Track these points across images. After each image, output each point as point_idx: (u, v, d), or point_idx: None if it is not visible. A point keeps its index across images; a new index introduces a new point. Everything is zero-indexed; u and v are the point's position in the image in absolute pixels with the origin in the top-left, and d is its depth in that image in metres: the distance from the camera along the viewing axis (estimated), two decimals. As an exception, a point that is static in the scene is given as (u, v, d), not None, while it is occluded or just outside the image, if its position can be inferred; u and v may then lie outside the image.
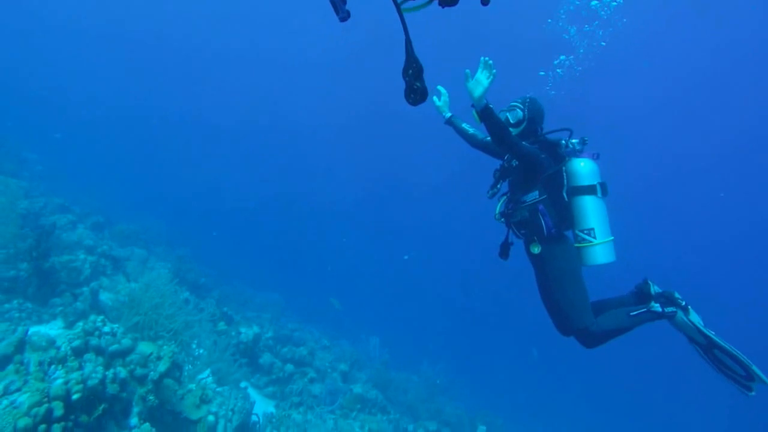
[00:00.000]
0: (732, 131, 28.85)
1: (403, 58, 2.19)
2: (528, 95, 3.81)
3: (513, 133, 3.55)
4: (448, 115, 4.22)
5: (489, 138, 4.02)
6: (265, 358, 7.53)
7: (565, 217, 3.55)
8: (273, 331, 8.88)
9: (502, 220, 3.79)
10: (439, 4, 1.81)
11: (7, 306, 5.30)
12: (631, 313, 3.53)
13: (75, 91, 32.58)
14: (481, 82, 3.08)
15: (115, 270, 7.28)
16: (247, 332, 7.46)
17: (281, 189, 32.35)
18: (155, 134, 33.24)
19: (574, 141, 3.67)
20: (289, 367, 7.63)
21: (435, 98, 4.17)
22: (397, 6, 1.78)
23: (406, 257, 25.92)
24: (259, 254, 20.64)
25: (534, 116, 3.71)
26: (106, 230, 9.59)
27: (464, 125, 4.24)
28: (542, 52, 9.99)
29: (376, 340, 12.57)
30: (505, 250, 3.86)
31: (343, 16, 1.95)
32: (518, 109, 3.71)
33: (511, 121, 3.71)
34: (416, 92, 1.83)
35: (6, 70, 28.15)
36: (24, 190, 8.28)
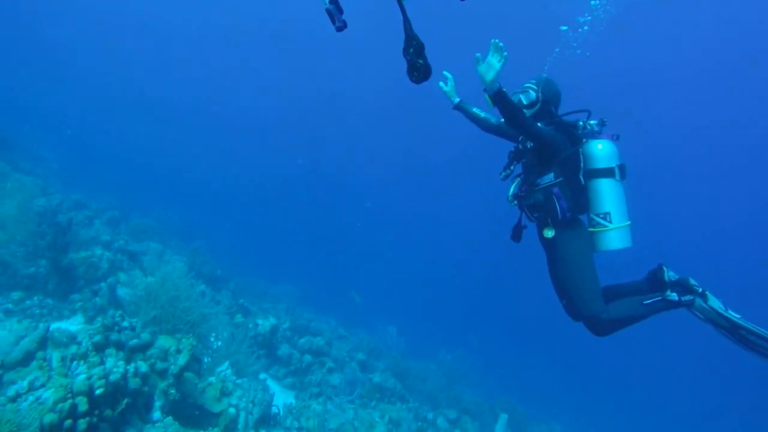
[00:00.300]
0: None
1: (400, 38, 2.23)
2: (543, 75, 3.76)
3: (527, 115, 3.51)
4: (457, 100, 4.18)
5: (501, 121, 4.00)
6: (283, 350, 7.63)
7: (580, 200, 3.49)
8: (290, 321, 8.99)
9: (515, 202, 3.73)
10: None
11: (28, 302, 5.42)
12: (645, 302, 3.45)
13: (76, 85, 32.80)
14: (492, 65, 3.00)
15: (132, 265, 7.40)
16: (264, 324, 7.55)
17: (292, 178, 32.43)
18: (163, 125, 33.43)
19: (592, 122, 3.61)
20: (307, 357, 7.72)
21: (441, 84, 4.13)
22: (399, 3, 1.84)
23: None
24: (272, 245, 20.80)
25: (549, 97, 3.65)
26: (122, 225, 9.75)
27: (474, 110, 4.19)
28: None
29: (393, 329, 12.67)
30: (517, 233, 3.82)
31: (340, 26, 2.16)
32: (531, 90, 3.65)
33: (524, 103, 3.65)
34: (419, 69, 1.89)
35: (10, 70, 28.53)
36: (40, 187, 8.44)
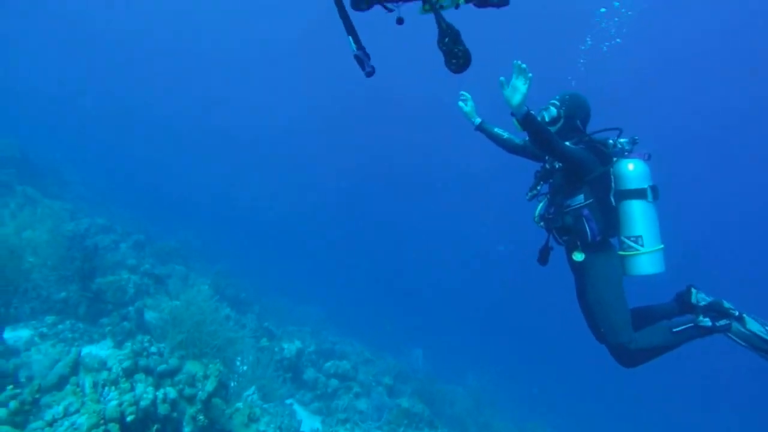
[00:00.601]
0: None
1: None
2: (568, 91, 3.69)
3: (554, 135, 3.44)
4: (478, 121, 4.14)
5: (527, 140, 3.94)
6: (309, 374, 7.63)
7: (611, 222, 3.40)
8: (315, 344, 9.02)
9: (542, 224, 3.67)
10: (475, 4, 1.98)
11: (60, 327, 5.58)
12: (675, 329, 3.30)
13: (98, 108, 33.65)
14: (518, 88, 2.95)
15: (158, 288, 7.55)
16: (290, 347, 7.58)
17: (311, 198, 32.64)
18: (186, 146, 34.17)
19: (622, 140, 3.53)
20: (334, 382, 7.71)
21: (461, 104, 4.11)
22: (432, 5, 1.91)
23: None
24: (295, 263, 20.94)
25: (573, 113, 3.58)
26: (147, 248, 9.97)
27: (496, 130, 4.13)
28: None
29: (419, 352, 12.56)
30: (544, 255, 3.74)
31: (369, 71, 2.28)
32: (553, 107, 3.62)
33: (546, 120, 3.62)
34: (458, 56, 1.87)
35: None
36: (69, 212, 8.73)
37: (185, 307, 5.91)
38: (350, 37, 2.33)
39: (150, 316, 6.50)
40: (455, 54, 1.86)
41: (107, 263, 7.83)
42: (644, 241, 3.33)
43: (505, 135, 4.10)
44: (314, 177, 34.48)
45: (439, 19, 1.90)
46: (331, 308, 15.02)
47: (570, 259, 3.53)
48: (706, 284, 3.56)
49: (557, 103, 3.62)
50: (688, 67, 29.37)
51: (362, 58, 2.29)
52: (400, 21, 2.36)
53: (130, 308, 6.25)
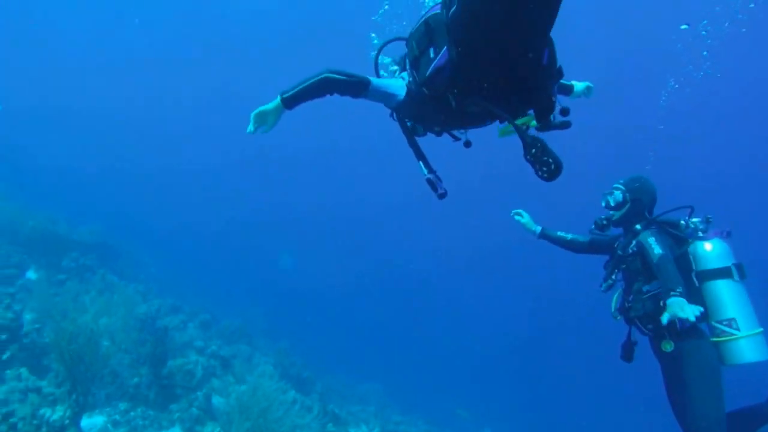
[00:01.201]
0: None
1: None
2: (633, 175, 3.69)
3: (615, 216, 3.61)
4: (539, 229, 4.19)
5: (593, 236, 3.98)
6: (375, 461, 7.38)
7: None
8: (379, 426, 8.78)
9: (620, 317, 3.56)
10: (538, 129, 2.08)
11: (132, 414, 5.77)
12: None
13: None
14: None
15: (224, 370, 7.70)
16: (355, 433, 7.41)
17: (366, 270, 32.64)
18: (243, 219, 35.38)
19: (695, 220, 3.43)
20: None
21: (518, 217, 4.22)
22: (511, 121, 1.98)
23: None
24: (352, 336, 20.92)
25: (640, 197, 3.56)
26: (213, 328, 10.35)
27: (559, 234, 4.16)
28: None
29: (488, 432, 11.91)
30: (628, 351, 3.53)
31: (442, 192, 2.42)
32: (618, 191, 3.62)
33: (612, 204, 3.62)
34: (548, 164, 1.88)
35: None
36: (141, 294, 9.26)
37: (251, 393, 5.99)
38: (420, 162, 2.47)
39: (217, 401, 6.60)
40: (545, 162, 1.88)
41: (176, 344, 8.18)
42: (739, 324, 3.09)
43: (569, 237, 4.12)
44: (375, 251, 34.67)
45: (522, 134, 1.94)
46: (391, 383, 14.83)
47: (658, 350, 3.32)
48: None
49: (622, 187, 3.63)
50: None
51: (434, 181, 2.40)
52: (467, 144, 2.55)
53: (199, 393, 6.40)
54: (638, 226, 3.47)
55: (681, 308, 2.76)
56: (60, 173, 27.46)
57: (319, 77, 2.25)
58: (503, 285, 31.33)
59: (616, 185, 3.68)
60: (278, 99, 2.30)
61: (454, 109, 2.08)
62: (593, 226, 3.78)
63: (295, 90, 2.27)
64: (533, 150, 1.89)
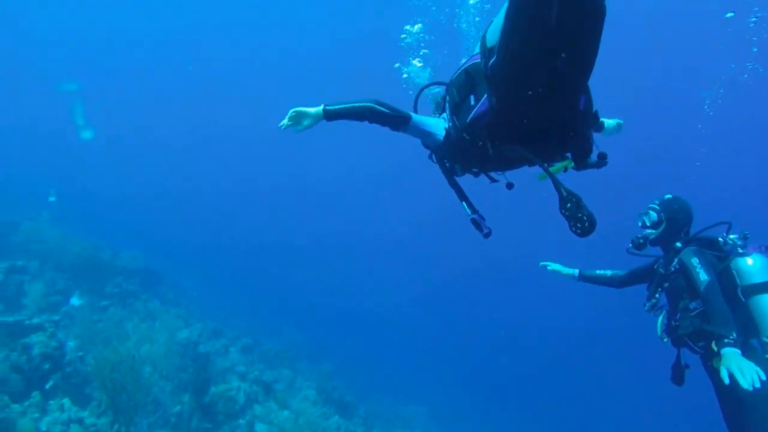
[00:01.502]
0: None
1: None
2: (667, 195, 3.72)
3: (652, 236, 3.62)
4: (576, 272, 4.23)
5: (628, 270, 4.05)
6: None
7: (745, 322, 3.18)
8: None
9: (667, 339, 3.52)
10: (575, 168, 2.17)
11: (174, 444, 5.63)
12: None
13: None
14: None
15: (267, 396, 7.57)
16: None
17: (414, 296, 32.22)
18: (283, 242, 35.75)
19: (733, 236, 3.44)
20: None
21: (549, 268, 4.25)
22: (546, 170, 2.04)
23: None
24: (397, 359, 20.53)
25: (675, 216, 3.59)
26: (255, 351, 10.29)
27: (598, 272, 4.20)
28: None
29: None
30: (679, 374, 3.51)
31: (487, 232, 2.50)
32: (653, 211, 3.65)
33: (647, 224, 3.65)
34: (582, 221, 1.92)
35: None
36: (183, 319, 9.26)
37: (294, 420, 5.84)
38: (463, 202, 2.60)
39: (260, 428, 6.42)
40: (580, 219, 1.91)
41: (218, 370, 8.10)
42: None
43: (609, 273, 4.16)
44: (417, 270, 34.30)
45: (558, 186, 1.97)
46: (436, 406, 14.57)
47: (710, 369, 3.24)
48: None
49: (657, 207, 3.67)
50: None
51: (478, 221, 2.53)
52: (509, 186, 2.57)
53: (241, 421, 6.28)
54: (678, 244, 3.49)
55: (738, 367, 2.67)
56: (101, 198, 28.52)
57: (365, 104, 2.42)
58: (555, 306, 30.48)
59: (651, 205, 3.71)
60: (321, 108, 2.42)
61: (492, 155, 2.17)
62: (630, 246, 3.75)
63: (339, 107, 2.42)
64: (568, 204, 1.93)
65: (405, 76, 5.47)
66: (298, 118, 2.42)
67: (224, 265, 25.65)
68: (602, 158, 2.11)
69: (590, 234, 1.93)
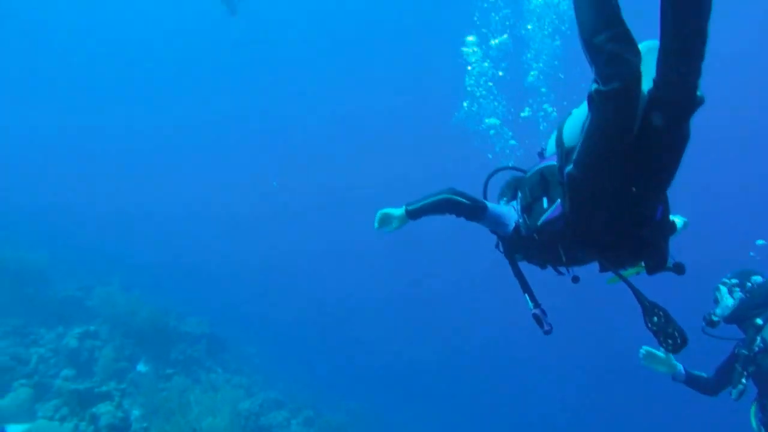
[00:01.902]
0: None
1: None
2: (743, 269, 3.50)
3: (726, 313, 3.39)
4: (680, 367, 3.61)
5: (715, 371, 3.68)
6: None
7: None
8: None
9: (764, 430, 3.25)
10: (648, 272, 2.10)
11: None
12: None
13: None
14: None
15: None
16: None
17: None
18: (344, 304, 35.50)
19: None
20: None
21: (658, 370, 3.70)
22: (622, 276, 2.02)
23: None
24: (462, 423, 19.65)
25: (750, 293, 3.35)
26: (316, 424, 10.02)
27: (696, 372, 3.70)
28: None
29: None
30: None
31: (548, 329, 2.41)
32: (724, 287, 3.46)
33: (719, 301, 3.48)
34: (674, 336, 1.82)
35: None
36: (245, 388, 9.18)
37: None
38: (526, 295, 2.53)
39: None
40: (671, 335, 1.82)
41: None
42: None
43: (704, 375, 3.75)
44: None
45: (639, 296, 1.91)
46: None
47: None
48: None
49: (728, 282, 3.46)
50: None
51: (540, 317, 2.43)
52: (575, 279, 2.45)
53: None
54: (759, 321, 3.23)
55: None
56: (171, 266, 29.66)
57: (441, 197, 2.45)
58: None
59: (723, 279, 3.49)
60: (403, 209, 2.52)
61: (564, 258, 2.19)
62: (703, 323, 3.44)
63: (419, 205, 2.48)
64: (655, 318, 1.86)
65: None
66: (386, 220, 2.54)
67: (288, 324, 25.67)
68: (680, 270, 2.03)
69: (681, 350, 1.84)
